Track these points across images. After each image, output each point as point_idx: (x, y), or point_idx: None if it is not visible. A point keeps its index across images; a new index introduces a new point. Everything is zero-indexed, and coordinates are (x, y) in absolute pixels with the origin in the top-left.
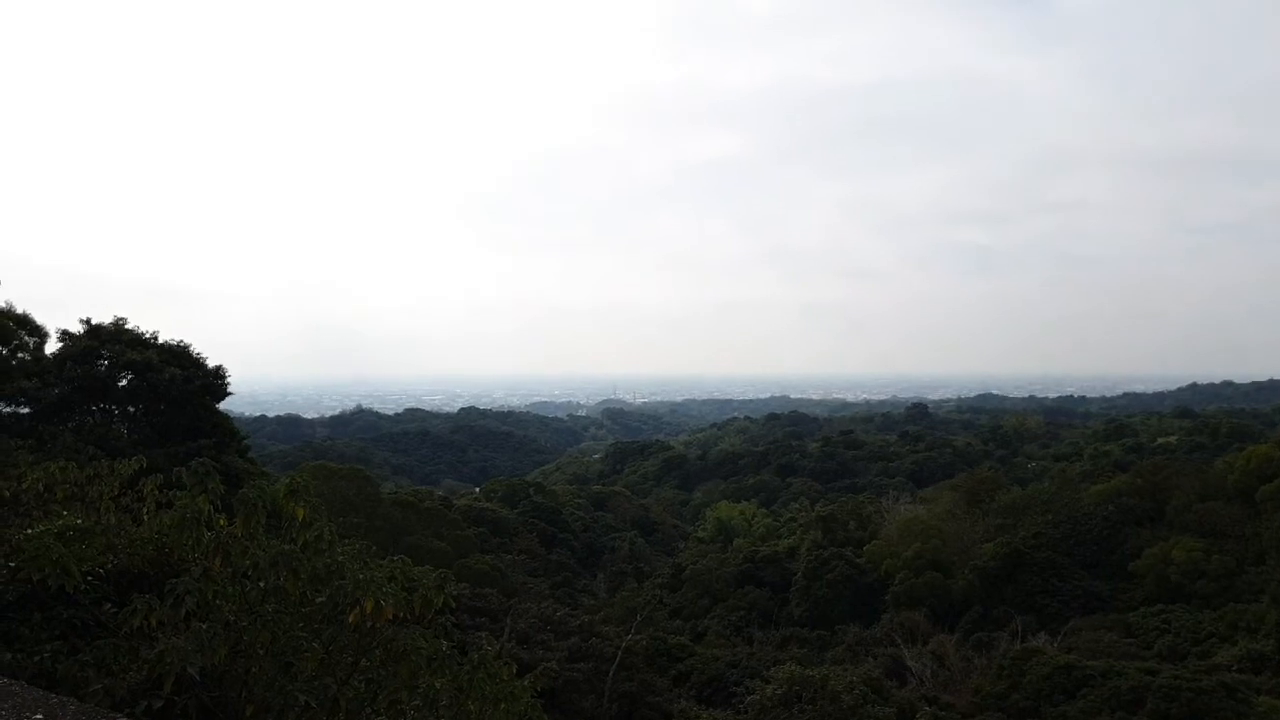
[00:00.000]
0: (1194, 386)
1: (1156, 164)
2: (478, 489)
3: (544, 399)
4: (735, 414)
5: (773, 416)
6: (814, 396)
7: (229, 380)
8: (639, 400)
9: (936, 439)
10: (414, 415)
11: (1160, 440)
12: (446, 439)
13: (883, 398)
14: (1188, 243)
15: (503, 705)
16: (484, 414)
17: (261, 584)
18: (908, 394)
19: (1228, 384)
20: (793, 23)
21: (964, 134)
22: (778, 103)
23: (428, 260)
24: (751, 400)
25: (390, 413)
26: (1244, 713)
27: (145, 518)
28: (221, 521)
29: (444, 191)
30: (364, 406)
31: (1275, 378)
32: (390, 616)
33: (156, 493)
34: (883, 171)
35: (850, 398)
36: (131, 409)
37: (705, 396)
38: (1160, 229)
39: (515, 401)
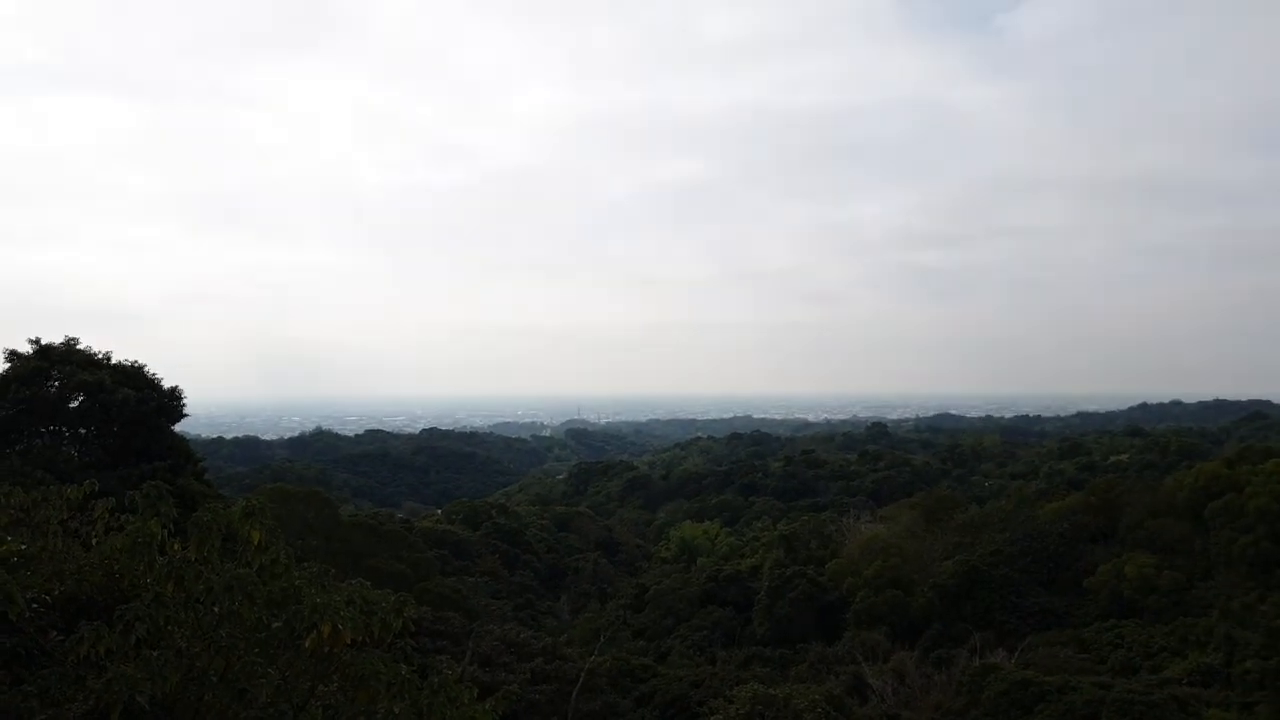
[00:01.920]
0: (1144, 406)
1: (1106, 190)
2: (439, 510)
3: (507, 419)
4: (699, 434)
5: (735, 436)
6: (776, 416)
7: (185, 402)
8: (603, 420)
9: (896, 458)
10: (375, 436)
11: (1113, 458)
12: (408, 460)
13: (843, 417)
14: (1137, 266)
15: None
16: (446, 435)
17: (216, 609)
18: (867, 414)
19: (1176, 403)
20: (754, 50)
21: (921, 160)
22: (741, 127)
23: (388, 280)
24: (715, 420)
25: (350, 434)
26: None
27: (95, 542)
28: (175, 546)
29: (405, 209)
30: (324, 428)
31: (1221, 397)
32: (349, 641)
33: (107, 516)
34: (844, 196)
35: (812, 417)
36: (83, 431)
37: (669, 416)
38: (1110, 252)
39: (478, 422)
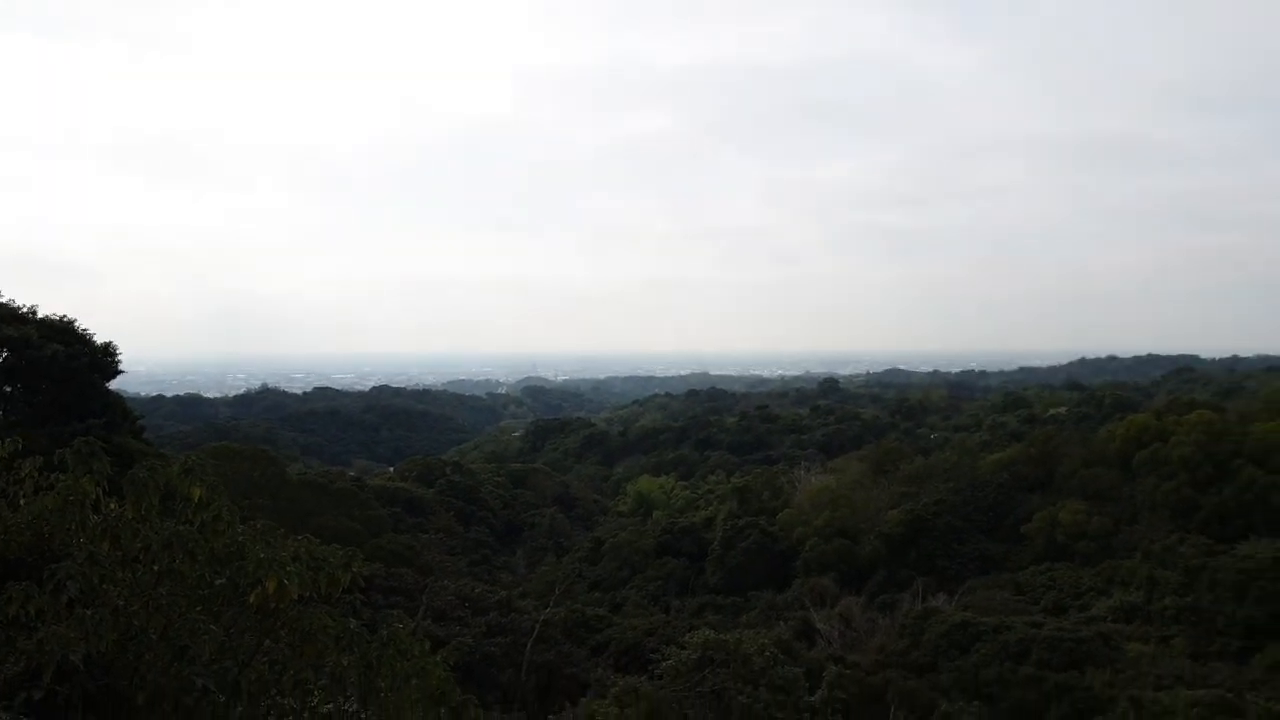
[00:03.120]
0: (1082, 361)
1: (1057, 152)
2: (392, 468)
3: (462, 377)
4: (657, 391)
5: (693, 393)
6: (733, 373)
7: (119, 358)
8: (560, 378)
9: (846, 412)
10: (324, 394)
11: (1052, 411)
12: (358, 418)
13: (797, 374)
14: (1081, 226)
15: (414, 681)
16: (398, 392)
17: (155, 567)
18: (821, 370)
19: (1112, 358)
20: (722, 4)
21: (885, 121)
22: (708, 83)
23: (339, 234)
24: (673, 377)
25: (298, 392)
26: (1116, 658)
27: (22, 503)
28: (111, 504)
29: (358, 160)
30: (270, 386)
31: (1154, 352)
32: (295, 596)
33: (36, 475)
34: (808, 155)
35: (767, 374)
36: (8, 388)
37: (627, 374)
38: (1059, 213)
39: (431, 380)
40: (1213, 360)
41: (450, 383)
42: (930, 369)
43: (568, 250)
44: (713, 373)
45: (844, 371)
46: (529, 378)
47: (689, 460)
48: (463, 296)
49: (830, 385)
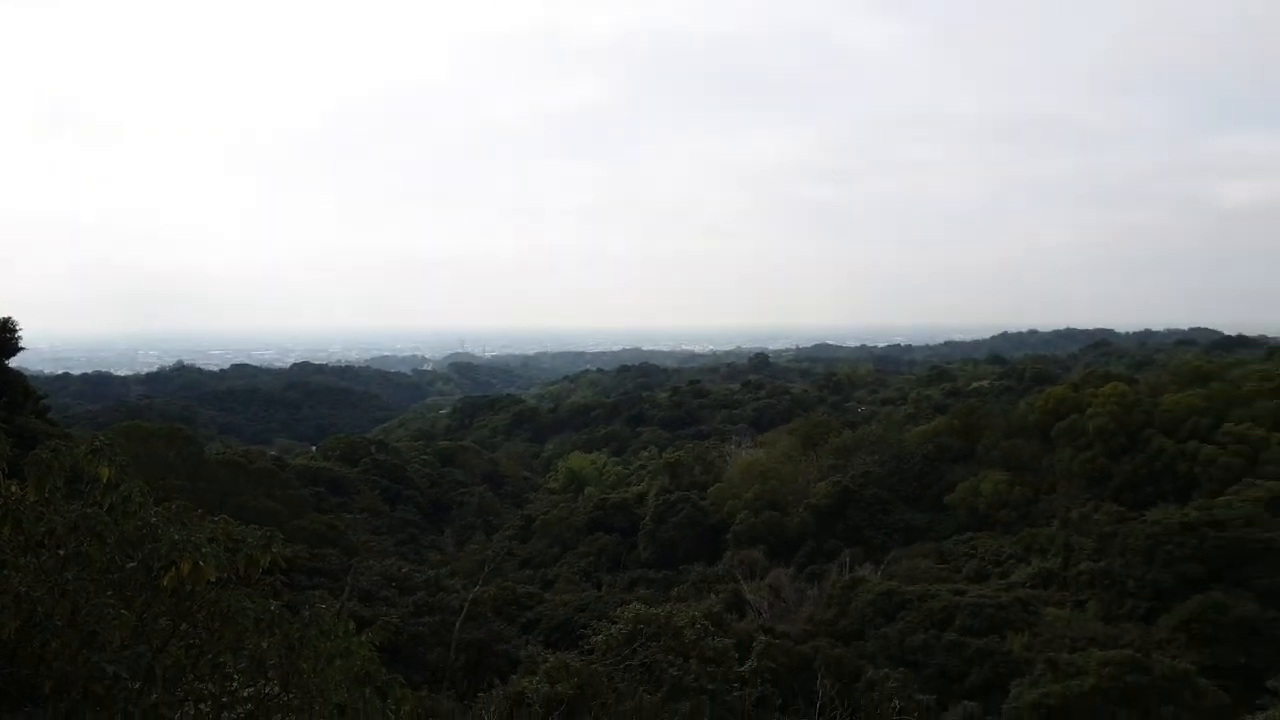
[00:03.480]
0: (1004, 335)
1: (980, 131)
2: (315, 447)
3: (386, 353)
4: (588, 367)
5: (624, 368)
6: (665, 349)
7: (19, 334)
8: (488, 354)
9: (776, 387)
10: (242, 372)
11: (975, 384)
12: (279, 396)
13: (729, 349)
14: (1003, 203)
15: (338, 662)
16: (320, 369)
17: (60, 551)
18: (752, 345)
19: (1033, 332)
20: None
21: (811, 94)
22: (634, 53)
23: (256, 206)
24: (604, 353)
25: (216, 369)
26: (1034, 622)
27: None
28: (12, 487)
29: (278, 128)
30: (186, 363)
31: (1072, 326)
32: (212, 578)
33: None
34: (735, 128)
35: (699, 349)
36: None
37: (558, 349)
38: (982, 190)
39: (355, 356)
40: (1127, 334)
41: (375, 359)
42: (858, 344)
43: (496, 223)
44: (644, 348)
45: (774, 346)
46: (456, 354)
47: (621, 436)
48: (388, 270)
49: (761, 360)
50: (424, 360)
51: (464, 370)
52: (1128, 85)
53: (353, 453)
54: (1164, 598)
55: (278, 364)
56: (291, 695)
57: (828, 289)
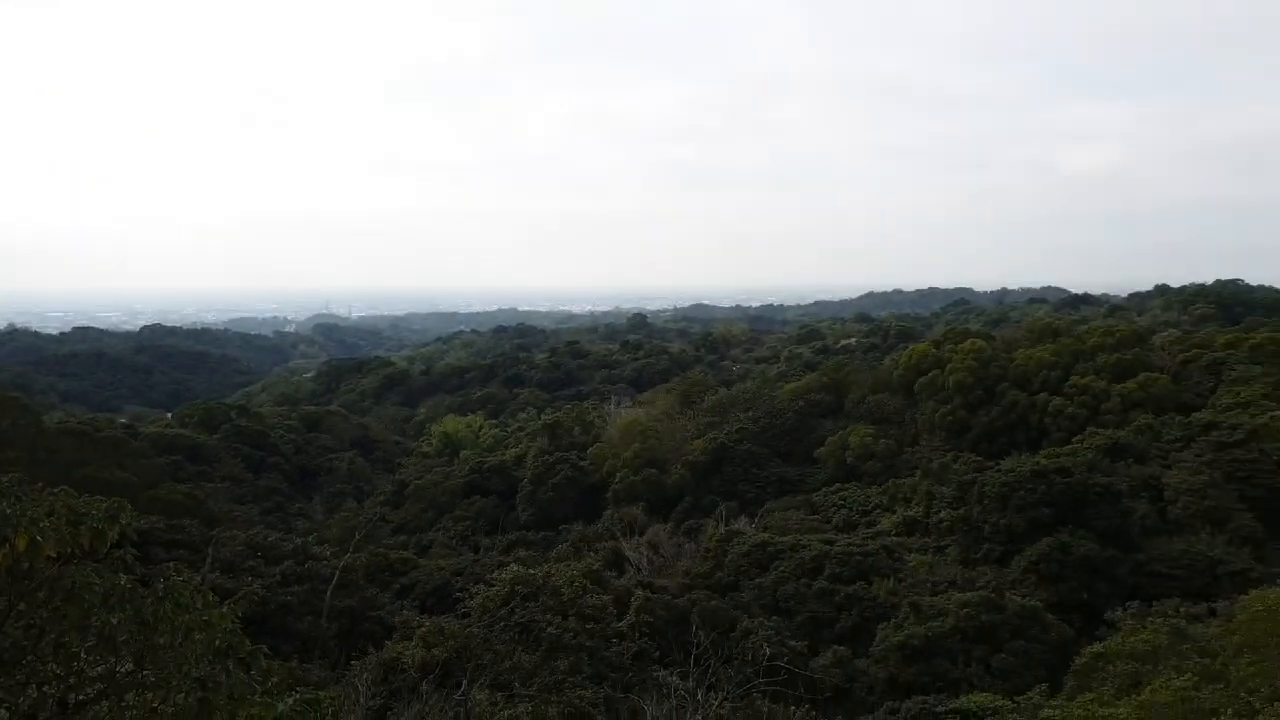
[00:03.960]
0: (871, 294)
1: (852, 92)
2: (169, 414)
3: (245, 315)
4: (461, 328)
5: (500, 329)
6: (542, 309)
7: None
8: (355, 315)
9: (655, 347)
10: (85, 335)
11: (843, 342)
12: (128, 361)
13: (607, 309)
14: (871, 165)
15: (197, 635)
16: (173, 332)
17: None
18: (630, 305)
19: (898, 291)
20: None
21: (686, 52)
22: (505, 4)
23: (98, 157)
24: (479, 313)
25: (55, 332)
26: (899, 568)
27: None
28: None
29: (124, 70)
30: (19, 326)
31: (934, 286)
32: (52, 554)
33: None
34: (612, 83)
35: (577, 310)
36: None
37: (429, 310)
38: (851, 151)
39: (211, 318)
40: (985, 293)
41: (232, 321)
42: (733, 303)
43: (363, 178)
44: (521, 309)
45: (653, 307)
46: (320, 315)
47: (497, 398)
48: (245, 228)
49: (639, 321)
50: (286, 322)
51: (329, 332)
52: (991, 51)
53: (211, 419)
54: (1016, 541)
55: (125, 326)
56: (147, 672)
57: (704, 249)
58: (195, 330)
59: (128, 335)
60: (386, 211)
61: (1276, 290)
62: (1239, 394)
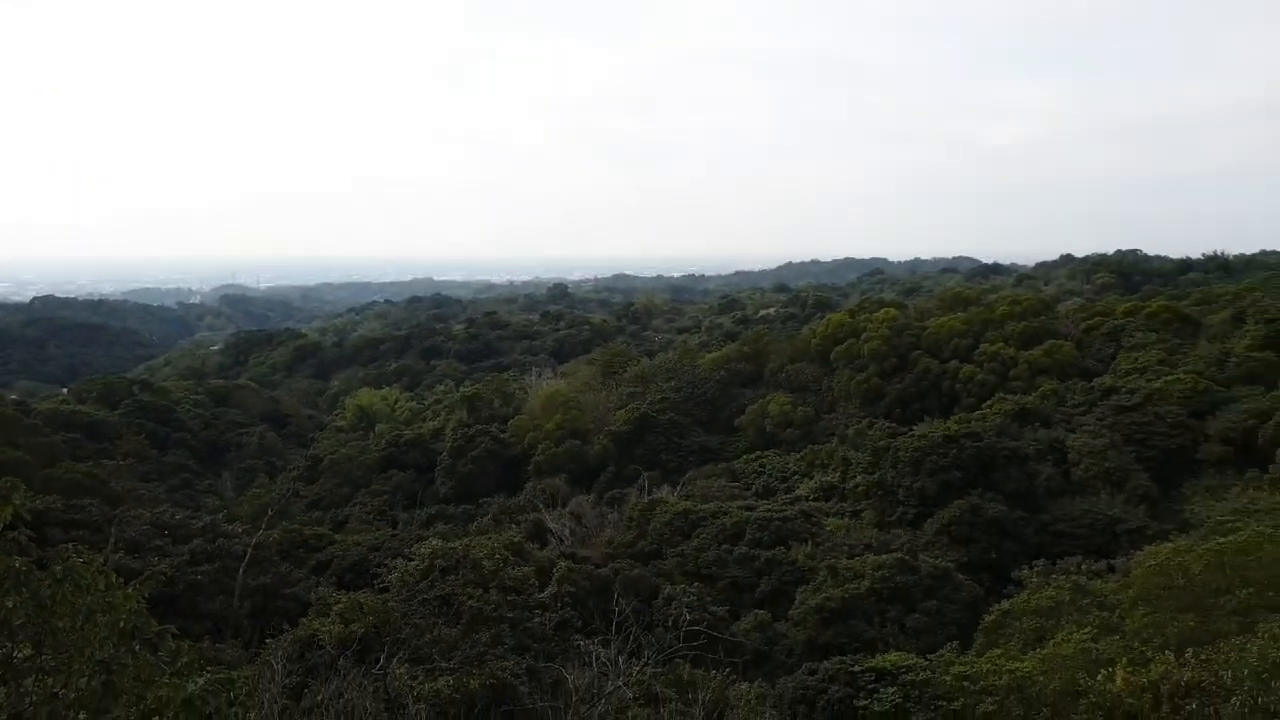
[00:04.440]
0: (789, 264)
1: (778, 67)
2: (65, 390)
3: (146, 285)
4: (375, 298)
5: (415, 300)
6: (459, 279)
7: None
8: (264, 285)
9: (576, 317)
10: None
11: (762, 312)
12: (18, 334)
13: (526, 279)
14: (791, 138)
15: (100, 617)
16: (68, 303)
17: None
18: (550, 275)
19: (815, 261)
20: None
21: (620, 22)
22: None
23: None
24: (393, 283)
25: None
26: (817, 533)
27: None
28: None
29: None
30: None
31: (850, 256)
32: None
33: None
34: (540, 54)
35: (495, 279)
36: None
37: (341, 280)
38: (774, 125)
39: (108, 289)
40: (899, 263)
41: (132, 292)
42: (655, 274)
43: (273, 144)
44: (437, 278)
45: (573, 277)
46: (227, 285)
47: (414, 370)
48: (146, 190)
49: (560, 291)
50: (190, 293)
51: (236, 303)
52: (917, 25)
53: (112, 394)
54: (929, 504)
55: (14, 298)
56: (46, 656)
57: (625, 219)
58: (92, 302)
59: (17, 307)
60: (299, 178)
61: (1172, 260)
62: (1137, 360)
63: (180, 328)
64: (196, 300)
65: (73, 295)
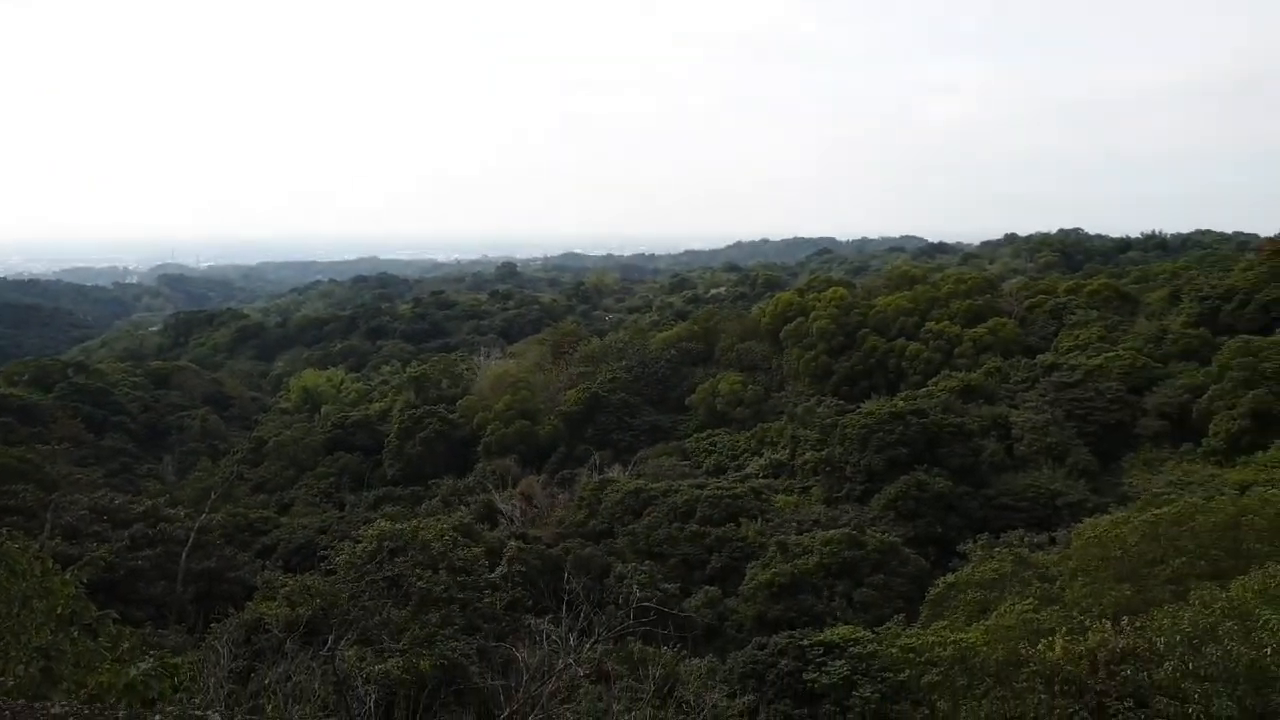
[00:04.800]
0: (739, 244)
1: (725, 45)
2: None
3: (79, 265)
4: (319, 278)
5: (360, 279)
6: (404, 257)
7: None
8: (204, 264)
9: (525, 297)
10: None
11: (713, 291)
12: None
13: (474, 257)
14: (738, 116)
15: (37, 603)
16: None
17: None
18: (498, 254)
19: (765, 240)
20: None
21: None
22: None
23: None
24: (337, 263)
25: None
26: (766, 509)
27: None
28: None
29: None
30: None
31: (799, 235)
32: None
33: None
34: (486, 29)
35: (442, 258)
36: None
37: (284, 259)
38: (721, 104)
39: (40, 268)
40: (847, 242)
41: (65, 271)
42: (604, 253)
43: (206, 116)
44: (382, 257)
45: (522, 255)
46: (166, 265)
47: (360, 351)
48: (75, 166)
49: (509, 270)
50: (127, 272)
51: (175, 283)
52: (852, 8)
53: (45, 377)
54: (876, 480)
55: None
56: None
57: (576, 197)
58: (22, 282)
59: None
60: (237, 152)
61: (1112, 239)
62: (1078, 337)
63: (116, 308)
64: (133, 280)
65: (2, 275)
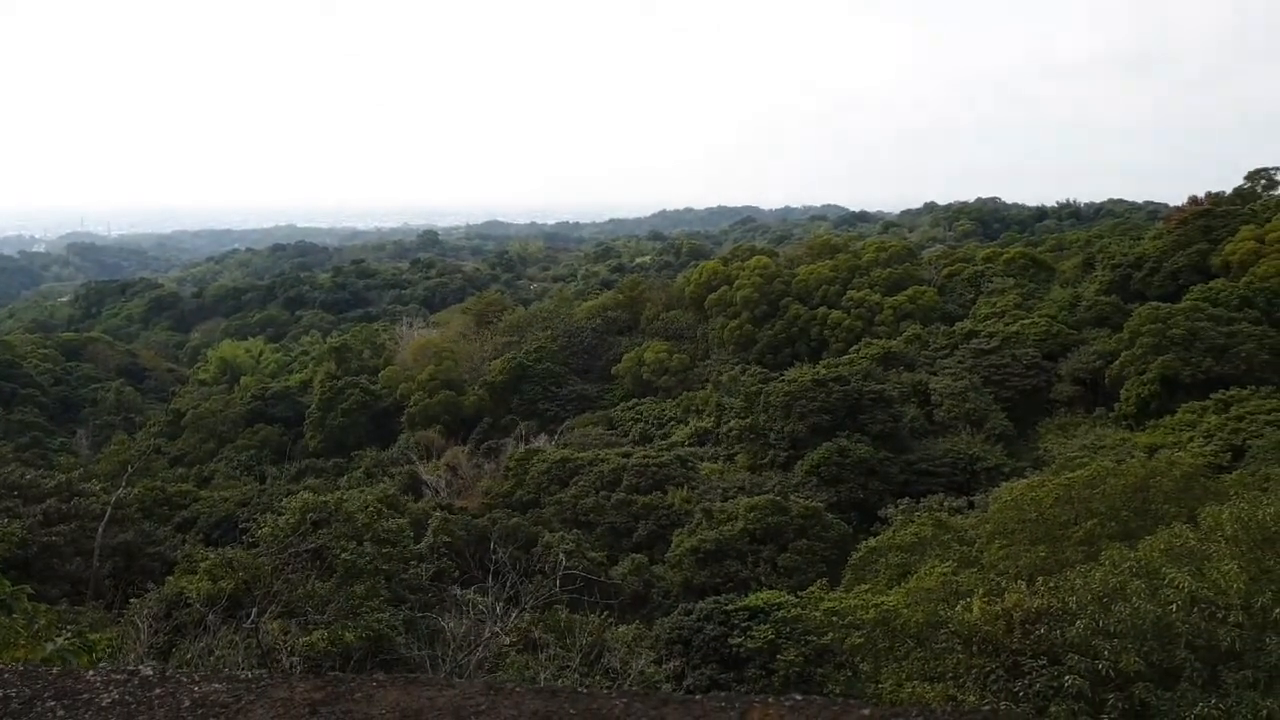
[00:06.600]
0: (663, 212)
1: (640, 13)
2: None
3: None
4: (235, 246)
5: (278, 248)
6: (323, 225)
7: None
8: (115, 233)
9: (448, 266)
10: None
11: (638, 260)
12: None
13: (394, 225)
14: (668, 86)
15: None
16: None
17: None
18: (419, 222)
19: (689, 209)
20: None
21: None
22: None
23: None
24: (254, 230)
25: None
26: (692, 477)
27: None
28: None
29: None
30: None
31: (723, 204)
32: None
33: None
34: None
35: (362, 226)
36: None
37: (199, 228)
38: (646, 72)
39: None
40: (770, 211)
41: None
42: (528, 221)
43: (115, 80)
44: (300, 225)
45: (444, 224)
46: (75, 234)
47: (279, 321)
48: None
49: (430, 238)
50: (34, 241)
51: (86, 252)
52: None
53: None
54: (799, 446)
55: None
56: None
57: (499, 163)
58: None
59: None
60: (148, 118)
61: (1028, 208)
62: (995, 304)
63: (23, 278)
64: (41, 249)
65: None
